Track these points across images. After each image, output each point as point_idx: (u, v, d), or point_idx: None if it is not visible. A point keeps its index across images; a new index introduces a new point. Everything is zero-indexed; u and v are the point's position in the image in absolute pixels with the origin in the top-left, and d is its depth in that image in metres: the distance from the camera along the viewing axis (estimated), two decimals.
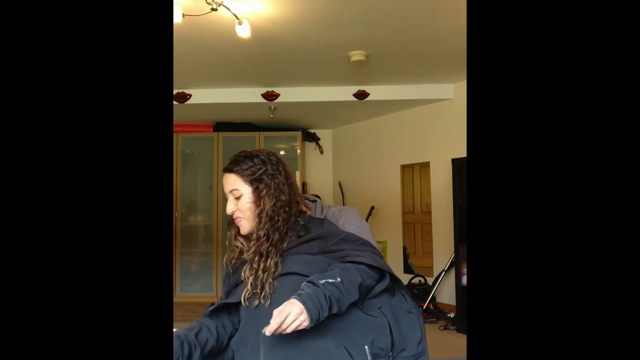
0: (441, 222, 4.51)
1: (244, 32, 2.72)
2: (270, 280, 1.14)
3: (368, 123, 5.43)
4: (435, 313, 4.23)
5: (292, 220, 1.24)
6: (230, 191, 1.25)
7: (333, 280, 1.06)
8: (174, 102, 4.37)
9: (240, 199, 1.24)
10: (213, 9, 2.51)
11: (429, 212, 4.88)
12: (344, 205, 4.25)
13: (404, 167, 5.16)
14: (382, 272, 1.18)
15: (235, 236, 1.29)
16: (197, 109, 4.67)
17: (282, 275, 1.16)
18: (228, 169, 1.26)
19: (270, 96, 4.41)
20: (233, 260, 1.28)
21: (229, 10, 2.61)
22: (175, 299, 5.10)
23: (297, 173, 5.43)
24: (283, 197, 1.23)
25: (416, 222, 5.77)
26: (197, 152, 5.61)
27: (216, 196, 5.38)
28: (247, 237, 1.27)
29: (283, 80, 4.21)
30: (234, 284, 1.26)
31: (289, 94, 4.42)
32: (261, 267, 1.16)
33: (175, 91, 4.37)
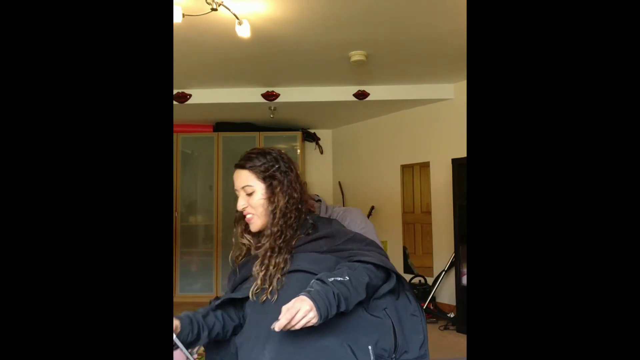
0: (441, 222, 4.51)
1: (244, 32, 2.72)
2: (279, 276, 1.15)
3: (368, 123, 5.43)
4: (435, 313, 4.23)
5: (302, 218, 1.25)
6: (243, 187, 1.24)
7: (342, 279, 1.07)
8: (174, 102, 4.37)
9: (252, 195, 1.24)
10: (213, 9, 2.51)
11: (429, 212, 4.88)
12: (343, 205, 4.26)
13: (404, 167, 5.15)
14: (389, 272, 1.19)
15: (242, 233, 1.29)
16: (197, 109, 4.67)
17: (290, 272, 1.17)
18: (240, 165, 1.26)
19: (270, 96, 4.41)
20: (240, 258, 1.29)
21: (229, 10, 2.61)
22: (175, 299, 5.09)
23: None
24: (295, 195, 1.24)
25: (416, 222, 5.77)
26: (197, 152, 5.60)
27: (216, 196, 5.38)
28: (254, 234, 1.28)
29: (283, 80, 4.21)
30: (240, 280, 1.26)
31: (289, 94, 4.42)
32: (272, 263, 1.17)
33: (175, 91, 4.37)
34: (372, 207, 5.21)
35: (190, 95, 4.41)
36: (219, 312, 1.21)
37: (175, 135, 5.31)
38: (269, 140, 5.41)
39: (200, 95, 4.43)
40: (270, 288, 1.14)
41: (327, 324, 1.04)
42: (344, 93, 4.41)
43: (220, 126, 5.40)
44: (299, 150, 5.53)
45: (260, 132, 5.39)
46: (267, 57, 3.56)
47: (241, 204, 1.25)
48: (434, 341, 3.67)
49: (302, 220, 1.24)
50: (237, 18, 2.66)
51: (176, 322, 1.10)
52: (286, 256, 1.18)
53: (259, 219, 1.24)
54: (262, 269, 1.17)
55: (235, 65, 3.76)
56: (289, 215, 1.21)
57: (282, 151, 1.31)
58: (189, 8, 2.61)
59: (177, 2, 2.55)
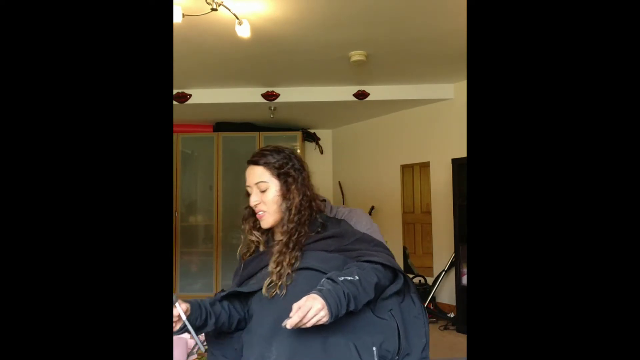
0: (441, 222, 4.51)
1: (244, 32, 2.72)
2: (289, 271, 1.16)
3: (368, 123, 5.43)
4: (435, 313, 4.23)
5: (313, 216, 1.25)
6: (256, 183, 1.24)
7: (351, 278, 1.07)
8: (174, 102, 4.37)
9: (266, 192, 1.23)
10: (213, 9, 2.51)
11: (429, 212, 4.88)
12: (343, 205, 4.25)
13: (404, 167, 5.16)
14: (396, 273, 1.19)
15: (250, 230, 1.30)
16: (197, 109, 4.67)
17: (299, 269, 1.17)
18: (254, 162, 1.25)
19: (270, 96, 4.41)
20: (247, 254, 1.29)
21: (229, 10, 2.61)
22: None
23: None
24: (308, 193, 1.25)
25: (416, 222, 5.78)
26: (197, 152, 5.61)
27: (216, 196, 5.38)
28: (263, 231, 1.28)
29: (283, 80, 4.21)
30: (247, 276, 1.27)
31: (289, 94, 4.42)
32: (286, 259, 1.17)
33: (175, 91, 4.37)
34: (372, 207, 5.21)
35: (190, 95, 4.41)
36: (225, 303, 1.22)
37: (175, 135, 5.31)
38: (269, 140, 5.40)
39: (200, 95, 4.43)
40: (280, 282, 1.15)
41: (333, 323, 1.04)
42: (344, 93, 4.41)
43: (220, 126, 5.40)
44: (299, 150, 5.53)
45: (260, 132, 5.39)
46: (267, 57, 3.56)
47: (254, 200, 1.24)
48: (434, 341, 3.67)
49: (312, 219, 1.25)
50: (237, 18, 2.66)
51: (186, 305, 1.10)
52: (297, 253, 1.19)
53: (271, 216, 1.24)
54: (277, 265, 1.18)
55: (235, 65, 3.76)
56: (302, 212, 1.22)
57: (294, 150, 1.31)
58: (189, 8, 2.61)
59: (177, 2, 2.55)
